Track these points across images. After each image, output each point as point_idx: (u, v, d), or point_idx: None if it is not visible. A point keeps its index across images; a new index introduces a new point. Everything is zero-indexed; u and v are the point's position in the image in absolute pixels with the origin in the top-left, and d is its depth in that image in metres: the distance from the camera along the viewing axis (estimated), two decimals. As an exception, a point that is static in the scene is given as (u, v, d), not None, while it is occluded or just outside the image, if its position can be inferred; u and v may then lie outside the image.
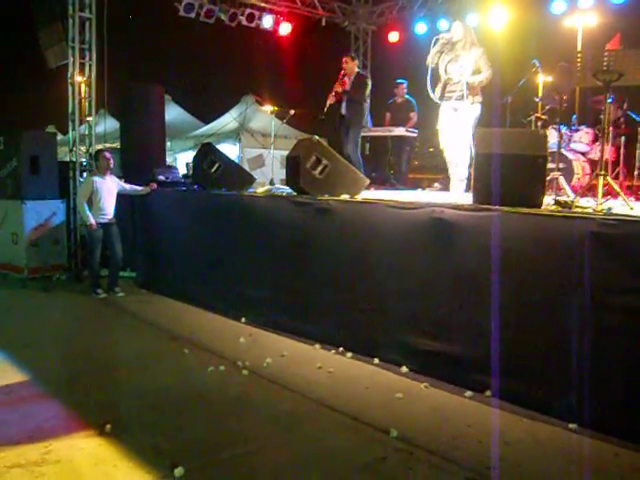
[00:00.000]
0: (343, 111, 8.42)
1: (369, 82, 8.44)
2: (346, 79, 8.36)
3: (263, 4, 11.47)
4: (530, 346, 4.22)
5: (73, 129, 9.13)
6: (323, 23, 12.46)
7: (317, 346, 5.60)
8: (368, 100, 8.52)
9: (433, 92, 6.77)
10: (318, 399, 4.38)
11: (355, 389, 4.61)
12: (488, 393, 4.36)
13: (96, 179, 7.67)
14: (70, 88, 8.98)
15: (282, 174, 9.02)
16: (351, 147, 8.45)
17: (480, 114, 6.72)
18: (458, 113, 6.68)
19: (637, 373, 3.73)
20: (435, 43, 6.70)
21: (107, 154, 7.85)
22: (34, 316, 6.82)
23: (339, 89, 8.29)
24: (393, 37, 12.68)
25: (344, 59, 8.56)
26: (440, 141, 6.93)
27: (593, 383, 3.82)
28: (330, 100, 8.28)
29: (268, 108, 13.10)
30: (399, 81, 10.27)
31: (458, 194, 6.59)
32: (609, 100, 5.25)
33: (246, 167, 11.63)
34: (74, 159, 9.10)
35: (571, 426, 3.86)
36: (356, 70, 8.52)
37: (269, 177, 9.32)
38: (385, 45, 12.92)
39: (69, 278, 8.76)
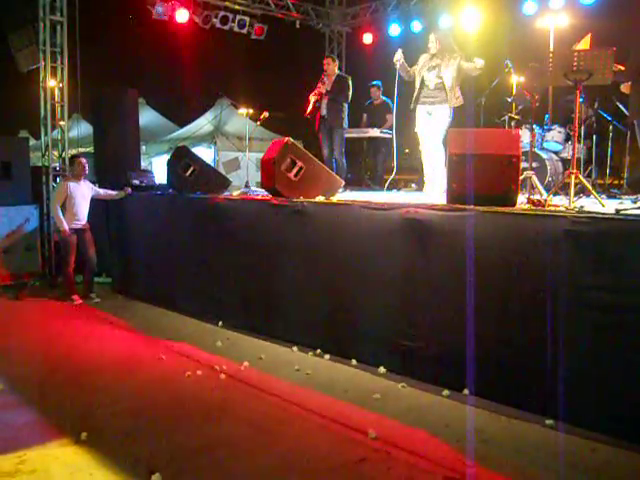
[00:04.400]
0: (323, 112, 8.43)
1: (351, 83, 8.47)
2: (326, 79, 8.38)
3: (237, 7, 11.43)
4: (506, 343, 4.26)
5: (45, 134, 9.04)
6: (297, 25, 12.47)
7: (295, 348, 5.58)
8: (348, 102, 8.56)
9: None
10: (296, 402, 4.37)
11: (333, 391, 4.60)
12: (465, 391, 4.38)
13: (70, 184, 7.59)
14: (42, 92, 8.89)
15: (257, 177, 8.98)
16: (337, 151, 8.46)
17: (452, 117, 6.81)
18: (432, 117, 6.80)
19: (612, 368, 3.77)
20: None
21: (83, 160, 7.76)
22: (8, 324, 6.69)
23: (322, 89, 8.30)
24: (367, 39, 12.71)
25: (326, 60, 8.61)
26: (420, 144, 7.03)
27: (569, 379, 3.86)
28: (313, 98, 8.29)
29: (243, 111, 13.06)
30: (374, 83, 10.27)
31: (436, 194, 6.61)
32: (580, 99, 5.30)
33: (221, 170, 11.57)
34: (47, 164, 9.01)
35: (548, 422, 3.90)
36: (337, 72, 8.55)
37: (244, 180, 9.28)
38: (359, 47, 12.94)
39: (43, 285, 8.64)
